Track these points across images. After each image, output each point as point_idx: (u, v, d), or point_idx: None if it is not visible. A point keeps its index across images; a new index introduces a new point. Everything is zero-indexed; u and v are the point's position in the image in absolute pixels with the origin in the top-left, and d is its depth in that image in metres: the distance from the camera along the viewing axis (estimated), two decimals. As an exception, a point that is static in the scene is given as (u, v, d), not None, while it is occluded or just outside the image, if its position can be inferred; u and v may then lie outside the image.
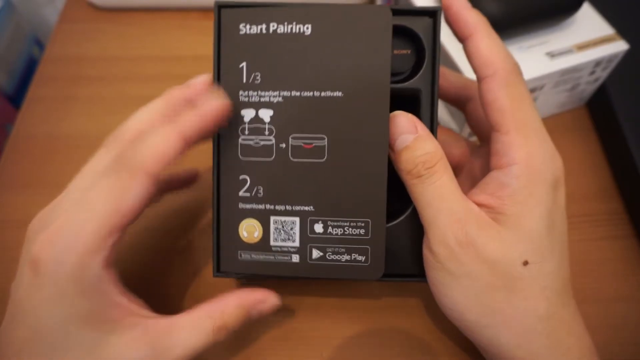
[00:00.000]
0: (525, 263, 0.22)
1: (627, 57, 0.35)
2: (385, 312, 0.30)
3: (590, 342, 0.23)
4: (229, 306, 0.23)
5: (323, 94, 0.23)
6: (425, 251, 0.23)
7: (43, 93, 0.41)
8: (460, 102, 0.29)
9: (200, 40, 0.44)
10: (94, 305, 0.21)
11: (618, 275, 0.32)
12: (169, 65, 0.42)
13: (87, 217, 0.21)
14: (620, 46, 0.34)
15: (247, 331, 0.29)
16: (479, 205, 0.23)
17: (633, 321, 0.30)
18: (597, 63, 0.35)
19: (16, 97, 0.50)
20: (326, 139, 0.23)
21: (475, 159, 0.28)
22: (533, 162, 0.22)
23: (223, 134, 0.24)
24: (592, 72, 0.35)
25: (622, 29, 0.35)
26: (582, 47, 0.34)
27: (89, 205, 0.21)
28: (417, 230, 0.24)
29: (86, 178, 0.23)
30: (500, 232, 0.22)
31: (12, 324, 0.21)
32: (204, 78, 0.25)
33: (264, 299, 0.24)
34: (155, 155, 0.21)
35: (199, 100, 0.22)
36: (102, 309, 0.21)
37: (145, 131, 0.22)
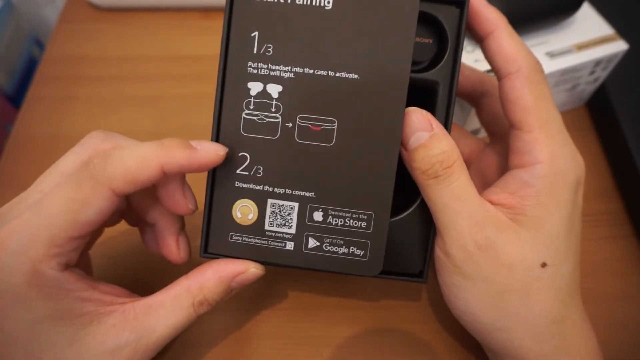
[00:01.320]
0: (544, 265, 0.21)
1: (626, 57, 0.35)
2: (385, 312, 0.30)
3: (596, 342, 0.23)
4: (208, 280, 0.23)
5: (338, 74, 0.22)
6: (439, 253, 0.23)
7: (43, 93, 0.41)
8: (474, 97, 0.28)
9: (200, 40, 0.44)
10: (60, 304, 0.20)
11: (618, 275, 0.32)
12: (169, 65, 0.42)
13: (42, 223, 0.20)
14: (620, 46, 0.34)
15: (247, 331, 0.29)
16: (498, 204, 0.22)
17: (633, 321, 0.30)
18: (597, 63, 0.35)
19: (16, 97, 0.50)
20: (336, 123, 0.22)
21: (486, 156, 0.28)
22: (557, 162, 0.22)
23: (226, 106, 0.22)
24: (592, 72, 0.35)
25: (622, 29, 0.35)
26: (581, 47, 0.34)
27: (46, 211, 0.20)
28: (420, 227, 0.24)
29: (50, 179, 0.22)
30: (520, 234, 0.22)
31: None
32: (213, 149, 0.22)
33: (243, 269, 0.23)
34: (127, 176, 0.20)
35: (197, 144, 0.21)
36: (71, 306, 0.21)
37: (126, 145, 0.21)
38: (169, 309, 0.22)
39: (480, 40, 0.24)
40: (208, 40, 0.44)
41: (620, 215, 0.34)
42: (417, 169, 0.22)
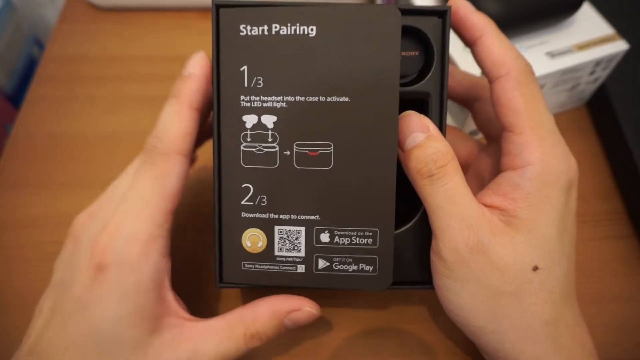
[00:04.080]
0: (535, 268, 0.21)
1: (627, 57, 0.35)
2: (384, 313, 0.30)
3: (592, 345, 0.23)
4: (261, 314, 0.23)
5: (329, 99, 0.22)
6: (433, 256, 0.23)
7: (43, 93, 0.41)
8: (468, 102, 0.28)
9: (200, 40, 0.44)
10: (146, 299, 0.21)
11: (618, 275, 0.32)
12: (169, 65, 0.42)
13: (140, 206, 0.21)
14: (620, 46, 0.34)
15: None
16: (491, 207, 0.22)
17: (633, 321, 0.30)
18: (597, 63, 0.35)
19: (16, 97, 0.50)
20: (332, 146, 0.23)
21: (483, 158, 0.28)
22: (548, 164, 0.22)
23: (224, 141, 0.23)
24: (592, 72, 0.35)
25: (622, 28, 0.35)
26: (582, 47, 0.34)
27: (138, 197, 0.22)
28: (424, 237, 0.24)
29: (126, 178, 0.24)
30: (513, 238, 0.22)
31: (71, 320, 0.21)
32: (198, 61, 0.24)
33: (298, 307, 0.23)
34: (179, 134, 0.22)
35: (184, 70, 0.23)
36: (152, 303, 0.21)
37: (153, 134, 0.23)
38: (221, 335, 0.22)
39: (469, 46, 0.24)
40: (208, 41, 0.43)
41: (621, 215, 0.34)
42: (413, 169, 0.22)
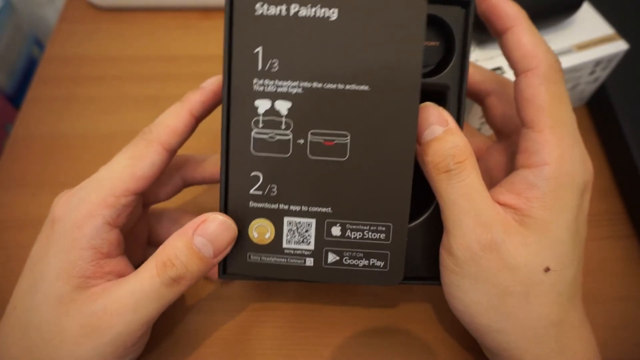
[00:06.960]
0: (547, 270, 0.21)
1: (627, 57, 0.35)
2: (385, 312, 0.30)
3: (596, 346, 0.23)
4: (169, 241, 0.22)
5: (348, 87, 0.21)
6: (443, 253, 0.23)
7: (43, 93, 0.41)
8: (480, 96, 0.28)
9: (200, 40, 0.44)
10: (78, 258, 0.22)
11: (618, 275, 0.32)
12: (169, 65, 0.42)
13: (104, 177, 0.23)
14: (620, 46, 0.34)
15: (247, 331, 0.29)
16: (505, 205, 0.22)
17: (633, 321, 0.30)
18: (597, 63, 0.35)
19: (16, 97, 0.50)
20: (349, 136, 0.22)
21: (493, 155, 0.27)
22: (565, 165, 0.21)
23: (233, 126, 0.22)
24: (592, 72, 0.35)
25: (622, 29, 0.35)
26: (582, 47, 0.34)
27: (108, 169, 0.23)
28: (434, 233, 0.24)
29: None
30: (526, 238, 0.21)
31: (22, 276, 0.23)
32: (212, 80, 0.25)
33: (203, 218, 0.22)
34: (167, 129, 0.24)
35: (204, 83, 0.25)
36: (84, 263, 0.22)
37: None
38: (135, 279, 0.22)
39: (498, 35, 0.23)
40: (208, 40, 0.44)
41: (621, 215, 0.34)
42: (430, 163, 0.22)
